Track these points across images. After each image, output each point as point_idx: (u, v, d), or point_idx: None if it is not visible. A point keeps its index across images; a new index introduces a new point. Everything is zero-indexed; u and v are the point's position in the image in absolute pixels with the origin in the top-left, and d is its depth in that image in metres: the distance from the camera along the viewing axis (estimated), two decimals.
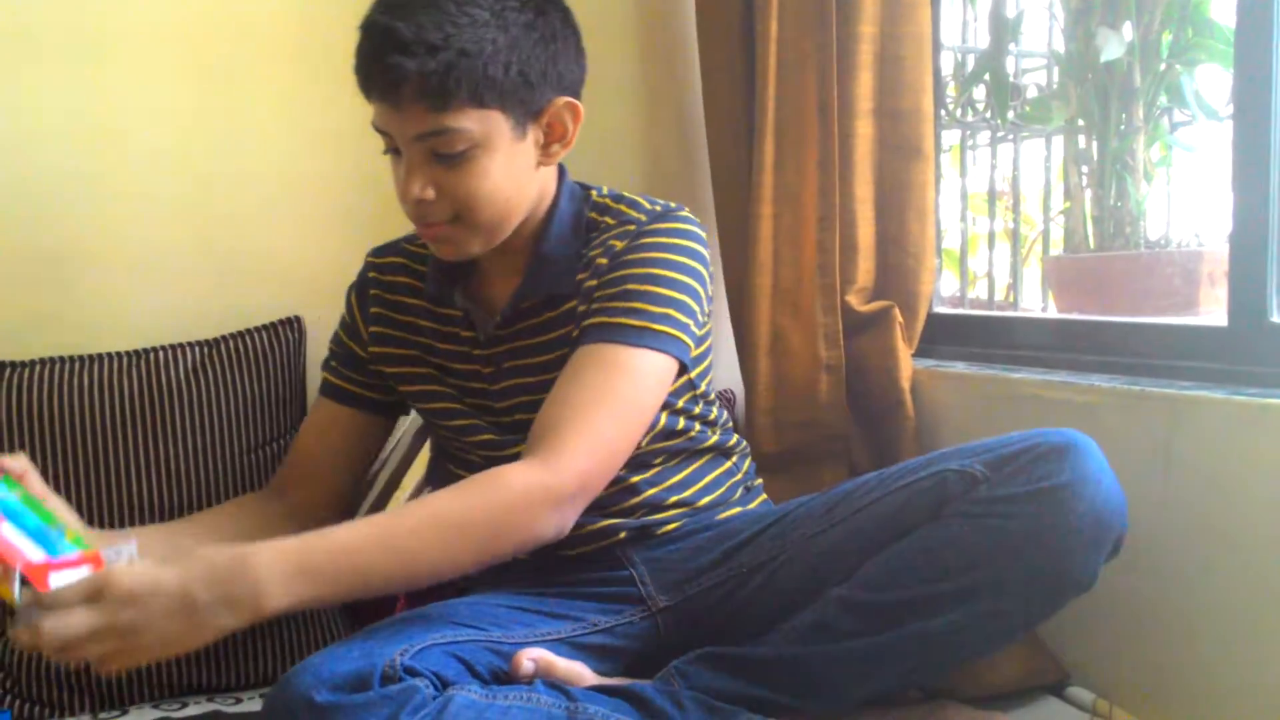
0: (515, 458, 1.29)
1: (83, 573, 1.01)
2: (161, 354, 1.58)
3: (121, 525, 1.49)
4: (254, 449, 1.59)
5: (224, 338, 1.63)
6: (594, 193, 1.37)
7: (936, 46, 1.78)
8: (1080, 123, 1.88)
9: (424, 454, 1.67)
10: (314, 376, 1.66)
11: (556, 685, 1.15)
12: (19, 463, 1.14)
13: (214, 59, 1.73)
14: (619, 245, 1.29)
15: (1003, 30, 1.91)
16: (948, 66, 2.00)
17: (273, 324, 1.67)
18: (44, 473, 1.44)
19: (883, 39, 1.67)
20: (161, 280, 1.71)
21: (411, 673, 1.08)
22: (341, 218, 1.81)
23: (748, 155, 1.80)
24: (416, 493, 1.66)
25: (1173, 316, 1.65)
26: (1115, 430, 1.36)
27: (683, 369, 1.28)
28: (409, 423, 1.72)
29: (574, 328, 1.28)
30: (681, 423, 1.35)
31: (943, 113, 1.90)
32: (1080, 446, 1.11)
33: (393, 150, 1.23)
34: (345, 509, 1.48)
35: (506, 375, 1.33)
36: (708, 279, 1.32)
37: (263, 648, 1.52)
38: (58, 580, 1.00)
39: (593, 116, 1.96)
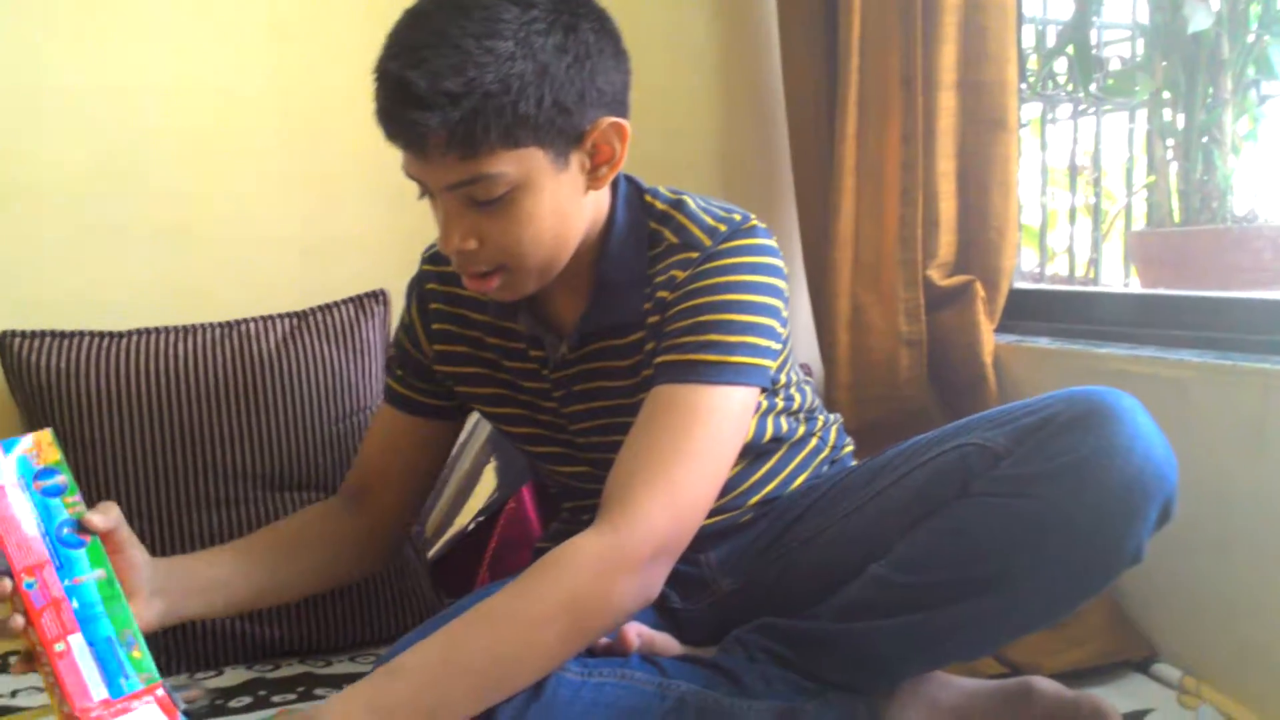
0: (586, 475, 1.30)
1: (142, 711, 1.01)
2: (253, 325, 1.62)
3: (217, 491, 1.53)
4: (341, 419, 1.61)
5: (312, 310, 1.67)
6: (648, 197, 1.24)
7: (1019, 18, 1.76)
8: (1166, 95, 1.85)
9: (494, 463, 1.70)
10: None
11: (649, 658, 1.16)
12: (109, 516, 1.08)
13: (307, 40, 1.76)
14: (680, 275, 1.17)
15: (1088, 1, 1.88)
16: (1028, 39, 1.98)
17: (358, 296, 1.70)
18: (140, 441, 1.51)
19: (967, 10, 1.66)
20: (253, 254, 1.75)
21: None
22: None
23: (828, 128, 1.79)
24: (490, 503, 1.68)
25: (1262, 291, 1.62)
26: (1206, 406, 1.35)
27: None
28: (475, 426, 1.74)
29: (642, 359, 1.21)
30: (769, 427, 1.29)
31: (1023, 86, 1.88)
32: (1108, 411, 1.04)
33: (428, 194, 1.13)
34: (417, 514, 1.45)
35: (578, 399, 1.27)
36: (785, 290, 1.22)
37: (352, 612, 1.55)
38: None
39: (670, 89, 1.99)
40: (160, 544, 1.51)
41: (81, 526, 1.06)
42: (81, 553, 1.05)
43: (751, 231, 1.20)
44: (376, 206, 1.80)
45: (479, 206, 1.09)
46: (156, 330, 1.58)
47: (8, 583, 1.00)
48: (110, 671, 1.02)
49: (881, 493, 1.21)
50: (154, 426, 1.52)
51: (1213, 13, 1.73)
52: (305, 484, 1.58)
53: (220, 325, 1.61)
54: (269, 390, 1.57)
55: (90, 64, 1.65)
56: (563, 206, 1.12)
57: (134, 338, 1.56)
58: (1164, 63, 1.83)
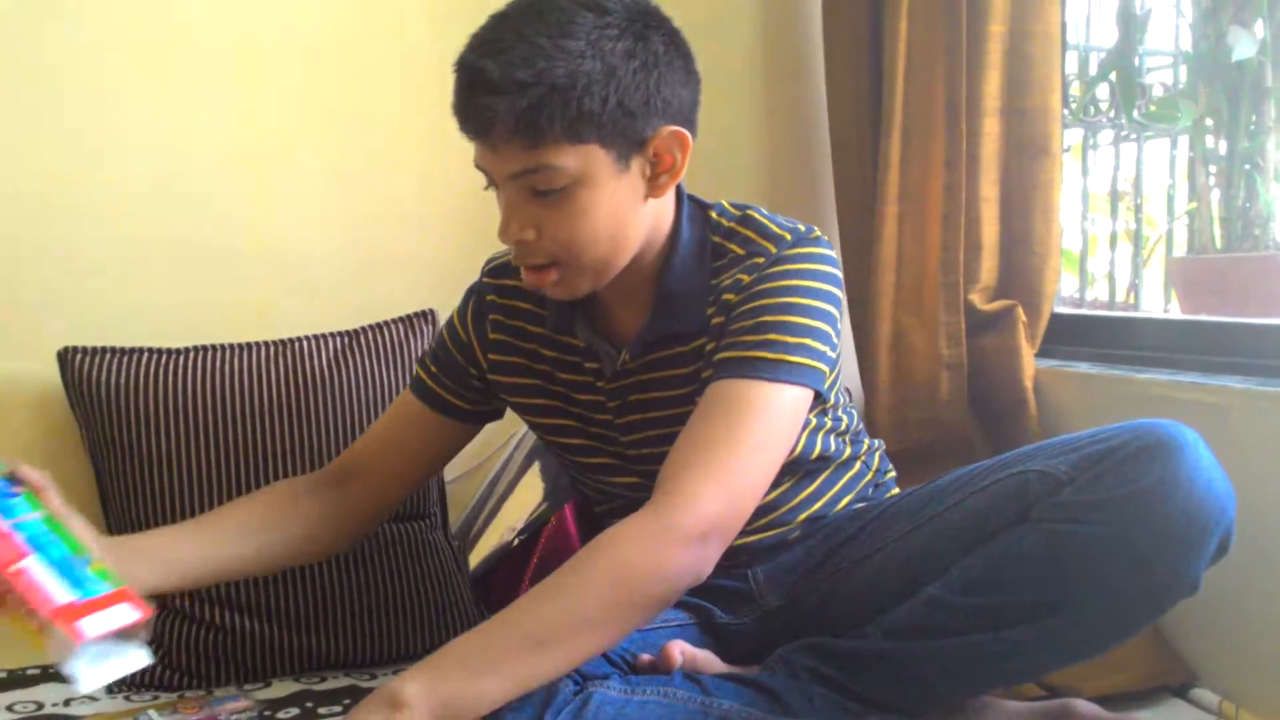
0: (636, 486, 1.32)
1: (117, 613, 1.00)
2: (305, 344, 1.65)
3: None
4: None
5: (362, 329, 1.70)
6: (714, 214, 1.28)
7: (1064, 45, 1.78)
8: (1208, 122, 1.85)
9: (533, 475, 1.72)
10: None
11: (692, 677, 1.17)
12: (38, 475, 1.12)
13: (356, 69, 1.81)
14: (746, 279, 1.21)
15: (1132, 28, 1.89)
16: (1071, 65, 1.98)
17: (407, 316, 1.73)
18: (196, 456, 1.54)
19: (1012, 37, 1.67)
20: (305, 274, 1.79)
21: None
22: (471, 217, 1.85)
23: (872, 153, 1.80)
24: (535, 512, 1.70)
25: None
26: (1248, 432, 1.35)
27: (818, 396, 1.21)
28: (521, 440, 1.76)
29: (704, 365, 1.23)
30: (818, 445, 1.31)
31: (1066, 112, 1.89)
32: (1172, 443, 1.05)
33: (494, 185, 1.18)
34: (394, 510, 1.47)
35: (632, 410, 1.29)
36: (842, 300, 1.26)
37: (397, 626, 1.58)
38: (90, 626, 0.98)
39: (713, 113, 1.99)
40: None
41: (14, 481, 1.07)
42: (19, 499, 1.05)
43: (816, 241, 1.25)
44: (426, 227, 1.84)
45: (539, 198, 1.13)
46: (212, 347, 1.62)
47: None
48: (74, 580, 1.01)
49: (938, 516, 1.21)
50: (209, 442, 1.55)
51: (1257, 40, 1.73)
52: None
53: (274, 343, 1.64)
54: (320, 407, 1.61)
55: (150, 85, 1.69)
56: (620, 208, 1.16)
57: (191, 354, 1.60)
58: (1207, 90, 1.83)
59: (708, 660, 1.24)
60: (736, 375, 1.16)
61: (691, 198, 1.30)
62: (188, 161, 1.72)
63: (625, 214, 1.17)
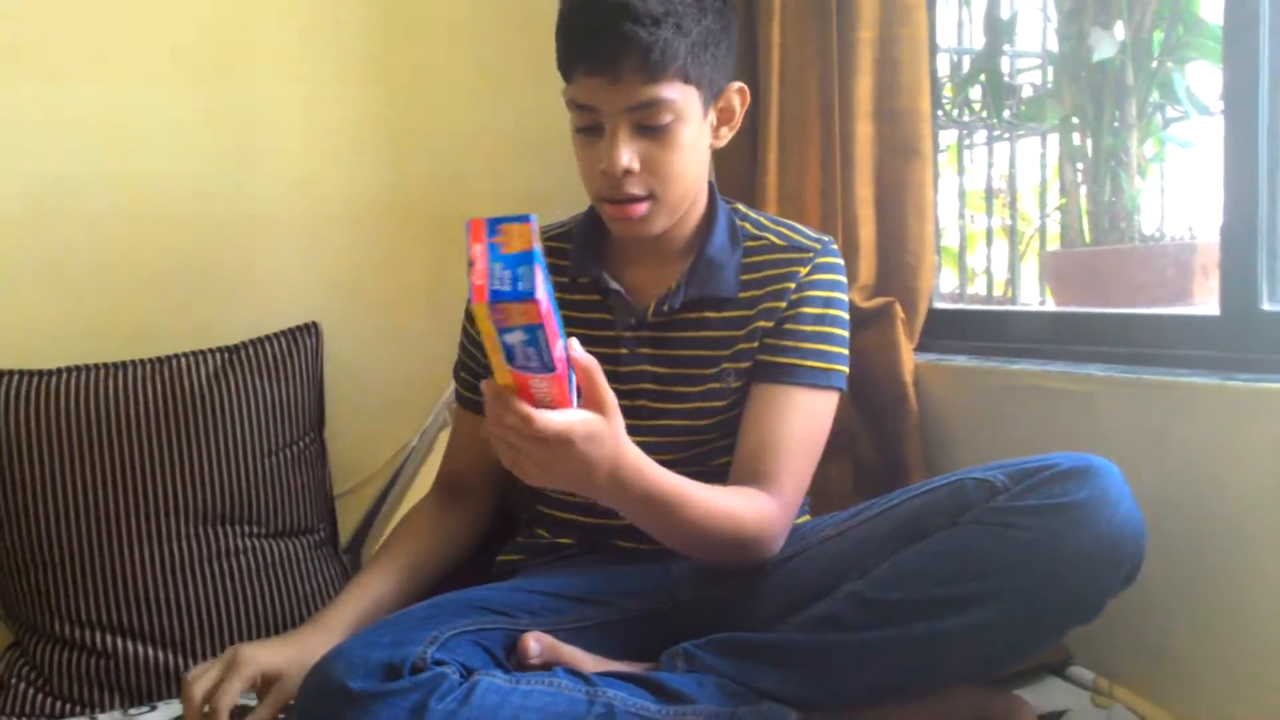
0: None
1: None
2: (183, 361, 1.62)
3: (150, 527, 1.54)
4: (274, 451, 1.62)
5: (244, 344, 1.67)
6: (736, 204, 1.45)
7: (933, 49, 1.82)
8: (1075, 120, 1.91)
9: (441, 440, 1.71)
10: (332, 380, 1.71)
11: (575, 672, 1.18)
12: None
13: (228, 73, 1.78)
14: (803, 272, 1.36)
15: (998, 31, 1.94)
16: (944, 68, 2.03)
17: (291, 330, 1.71)
18: (74, 480, 1.51)
19: (881, 43, 1.71)
20: (181, 289, 1.75)
21: (440, 663, 1.11)
22: (356, 226, 1.85)
23: (751, 158, 1.83)
24: None
25: (1167, 307, 1.68)
26: (1112, 417, 1.40)
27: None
28: (409, 447, 1.76)
29: (745, 338, 1.36)
30: None
31: (940, 113, 1.94)
32: (1100, 469, 1.14)
33: (585, 129, 1.30)
34: (503, 496, 1.55)
35: (642, 360, 1.38)
36: None
37: None
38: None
39: None
40: (93, 581, 1.51)
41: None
42: (557, 317, 1.04)
43: (838, 251, 1.42)
44: (306, 238, 1.83)
45: (644, 133, 1.27)
46: (86, 368, 1.58)
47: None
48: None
49: (869, 520, 1.27)
50: (85, 465, 1.52)
51: (1117, 41, 1.79)
52: (239, 518, 1.59)
53: (151, 361, 1.61)
54: (201, 425, 1.58)
55: (21, 99, 1.66)
56: (700, 149, 1.33)
57: (63, 376, 1.56)
58: (1072, 89, 1.89)
59: (572, 654, 1.23)
60: (799, 383, 1.34)
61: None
62: (56, 178, 1.68)
63: (701, 156, 1.34)
